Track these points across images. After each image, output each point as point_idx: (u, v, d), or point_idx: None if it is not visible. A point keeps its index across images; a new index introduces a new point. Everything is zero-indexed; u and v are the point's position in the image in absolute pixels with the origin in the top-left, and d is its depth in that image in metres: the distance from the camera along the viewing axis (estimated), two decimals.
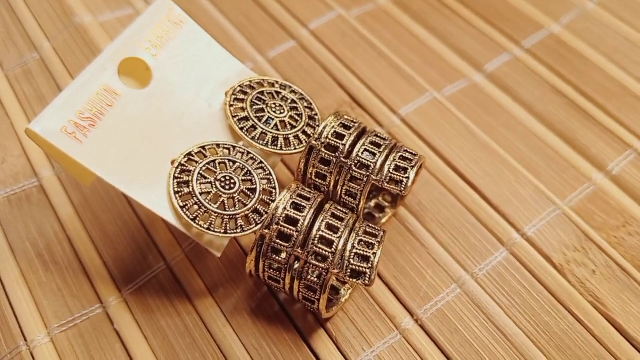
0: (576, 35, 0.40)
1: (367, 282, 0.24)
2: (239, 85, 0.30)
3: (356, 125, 0.29)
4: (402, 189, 0.27)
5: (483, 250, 0.30)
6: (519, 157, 0.34)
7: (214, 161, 0.27)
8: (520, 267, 0.30)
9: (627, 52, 0.39)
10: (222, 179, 0.27)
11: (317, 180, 0.29)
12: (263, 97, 0.30)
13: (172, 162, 0.27)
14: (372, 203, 0.32)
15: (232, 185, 0.27)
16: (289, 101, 0.30)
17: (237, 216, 0.26)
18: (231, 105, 0.29)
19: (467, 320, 0.28)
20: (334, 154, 0.28)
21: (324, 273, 0.25)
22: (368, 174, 0.27)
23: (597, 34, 0.40)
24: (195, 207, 0.26)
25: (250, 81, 0.31)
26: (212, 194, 0.26)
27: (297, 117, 0.30)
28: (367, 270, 0.25)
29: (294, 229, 0.25)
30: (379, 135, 0.29)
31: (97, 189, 0.33)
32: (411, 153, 0.28)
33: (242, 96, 0.30)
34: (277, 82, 0.31)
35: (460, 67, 0.39)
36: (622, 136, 0.35)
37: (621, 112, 0.36)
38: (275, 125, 0.29)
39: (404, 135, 0.35)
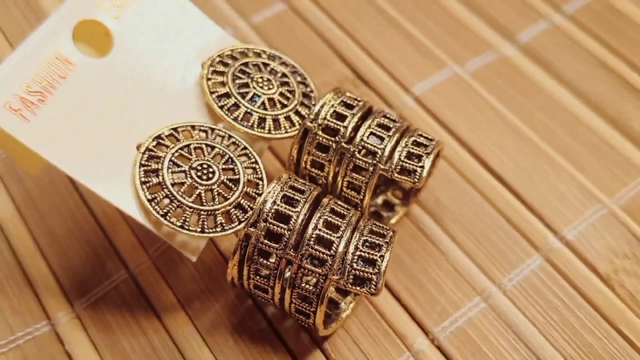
0: None
1: (372, 290, 0.26)
2: (219, 55, 0.31)
3: (360, 104, 0.30)
4: (416, 180, 0.29)
5: (513, 257, 0.32)
6: (558, 147, 0.36)
7: (188, 146, 0.29)
8: (558, 277, 0.31)
9: None
10: (199, 168, 0.28)
11: (312, 170, 0.30)
12: (247, 70, 0.31)
13: (138, 147, 0.28)
14: (380, 200, 0.34)
15: (211, 175, 0.28)
16: (279, 75, 0.32)
17: (217, 212, 0.27)
18: (209, 79, 0.31)
19: (493, 340, 0.30)
20: (333, 138, 0.29)
21: (322, 280, 0.26)
22: (375, 162, 0.29)
23: None
24: (166, 200, 0.27)
25: (232, 50, 0.32)
26: (186, 186, 0.28)
27: (288, 94, 0.31)
28: (373, 277, 0.26)
29: (285, 227, 0.27)
30: (388, 116, 0.30)
31: (43, 181, 0.34)
32: (427, 138, 0.30)
33: (222, 68, 0.31)
34: (264, 52, 0.33)
35: (488, 36, 0.40)
36: None
37: None
38: (263, 103, 0.31)
39: (418, 119, 0.37)
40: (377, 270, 0.26)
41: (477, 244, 0.32)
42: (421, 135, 0.30)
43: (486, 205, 0.34)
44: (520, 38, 0.40)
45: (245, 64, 0.32)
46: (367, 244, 0.27)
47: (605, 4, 0.42)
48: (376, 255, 0.26)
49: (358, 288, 0.26)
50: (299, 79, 0.32)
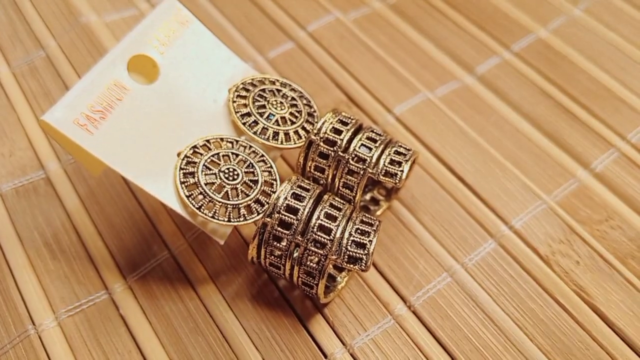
0: (563, 40, 0.42)
1: (363, 267, 0.26)
2: (242, 83, 0.31)
3: (353, 121, 0.30)
4: (397, 181, 0.28)
5: (472, 242, 0.32)
6: (507, 155, 0.36)
7: (218, 154, 0.28)
8: (508, 258, 0.31)
9: (611, 56, 0.41)
10: (226, 171, 0.28)
11: (315, 173, 0.30)
12: (264, 94, 0.31)
13: (178, 154, 0.28)
14: (368, 196, 0.33)
15: (235, 177, 0.28)
16: (289, 98, 0.32)
17: (240, 206, 0.27)
18: (234, 102, 0.30)
19: (457, 307, 0.30)
20: (332, 148, 0.29)
21: (323, 259, 0.26)
22: (364, 167, 0.29)
23: (582, 39, 0.42)
24: (200, 196, 0.27)
25: (252, 79, 0.32)
26: (216, 185, 0.27)
27: (296, 114, 0.31)
28: (364, 256, 0.26)
29: (294, 217, 0.27)
30: (374, 131, 0.30)
31: (103, 181, 0.34)
32: (405, 148, 0.30)
33: (244, 93, 0.31)
34: (277, 80, 0.32)
35: (452, 69, 0.40)
36: (606, 136, 0.37)
37: (605, 113, 0.38)
38: (276, 120, 0.30)
39: (398, 133, 0.37)
40: (366, 252, 0.26)
41: (444, 231, 0.32)
42: (401, 146, 0.30)
43: (451, 201, 0.34)
44: (478, 70, 0.40)
45: (263, 90, 0.31)
46: (359, 231, 0.27)
47: (545, 44, 0.42)
48: (366, 240, 0.26)
49: (351, 266, 0.26)
50: (304, 101, 0.32)
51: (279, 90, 0.32)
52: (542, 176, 0.35)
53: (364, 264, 0.26)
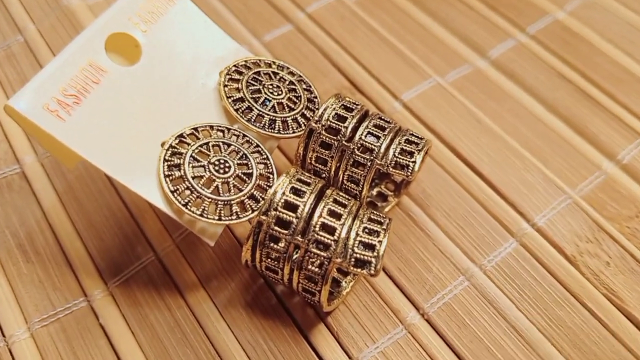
0: (581, 22, 0.38)
1: (372, 272, 0.22)
2: (234, 65, 0.28)
3: (358, 107, 0.27)
4: (409, 173, 0.25)
5: (491, 241, 0.29)
6: (525, 144, 0.32)
7: (207, 143, 0.25)
8: (531, 259, 0.28)
9: (632, 38, 0.38)
10: (216, 163, 0.25)
11: (317, 165, 0.27)
12: (259, 78, 0.28)
13: (162, 144, 0.25)
14: (374, 191, 0.30)
15: (227, 169, 0.25)
16: (287, 82, 0.28)
17: (232, 202, 0.24)
18: (226, 86, 0.27)
19: (476, 314, 0.26)
20: (335, 137, 0.26)
21: (326, 262, 0.23)
22: (372, 158, 0.25)
23: (601, 21, 0.39)
24: (187, 192, 0.24)
25: (245, 61, 0.28)
26: (205, 178, 0.24)
27: (295, 99, 0.28)
28: (373, 259, 0.22)
29: (293, 215, 0.23)
30: (382, 117, 0.27)
31: (83, 175, 0.31)
32: (417, 137, 0.27)
33: (237, 76, 0.28)
34: (274, 63, 0.29)
35: (464, 52, 0.37)
36: (631, 124, 0.33)
37: (629, 99, 0.34)
38: (273, 107, 0.27)
39: (406, 121, 0.33)
40: (376, 254, 0.23)
41: (460, 229, 0.29)
42: (412, 135, 0.27)
43: (466, 195, 0.30)
44: (491, 54, 0.37)
45: (258, 73, 0.28)
46: (367, 230, 0.23)
47: (562, 26, 0.38)
48: (375, 241, 0.23)
49: (359, 270, 0.23)
50: (304, 86, 0.29)
51: (275, 74, 0.28)
52: (564, 167, 0.31)
53: (373, 268, 0.22)
